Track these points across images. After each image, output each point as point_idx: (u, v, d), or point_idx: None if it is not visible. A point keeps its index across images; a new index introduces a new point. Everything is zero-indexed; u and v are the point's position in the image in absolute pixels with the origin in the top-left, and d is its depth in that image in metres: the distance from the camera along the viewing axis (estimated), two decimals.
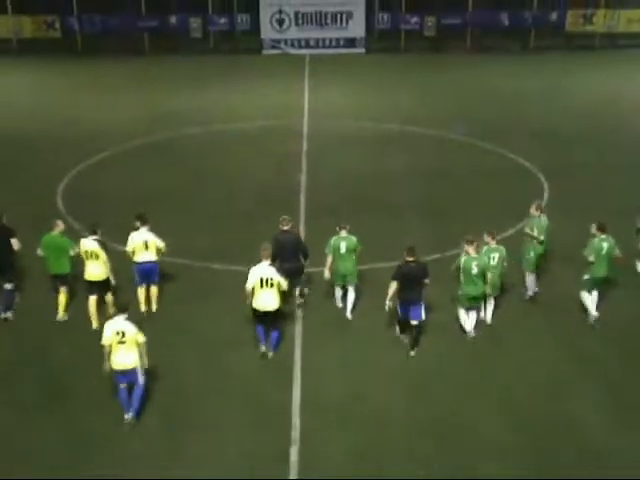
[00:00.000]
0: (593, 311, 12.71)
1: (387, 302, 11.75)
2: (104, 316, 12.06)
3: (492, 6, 43.72)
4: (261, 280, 11.60)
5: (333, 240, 12.80)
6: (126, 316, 10.26)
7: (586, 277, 12.70)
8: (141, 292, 13.09)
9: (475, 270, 12.02)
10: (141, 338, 10.17)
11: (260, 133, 25.47)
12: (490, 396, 10.86)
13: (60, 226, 12.77)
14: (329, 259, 12.78)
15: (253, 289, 11.66)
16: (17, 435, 10.05)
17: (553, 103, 29.79)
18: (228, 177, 20.63)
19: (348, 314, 13.08)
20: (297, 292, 13.32)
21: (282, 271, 12.08)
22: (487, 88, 33.16)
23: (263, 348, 11.86)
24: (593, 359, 11.78)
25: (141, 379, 10.25)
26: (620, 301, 13.47)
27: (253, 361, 11.71)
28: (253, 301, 11.78)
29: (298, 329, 12.60)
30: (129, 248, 12.88)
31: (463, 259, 12.08)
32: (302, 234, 15.06)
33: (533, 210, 13.29)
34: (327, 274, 12.98)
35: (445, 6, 43.84)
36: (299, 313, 13.15)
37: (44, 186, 19.36)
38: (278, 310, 11.89)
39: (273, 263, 11.97)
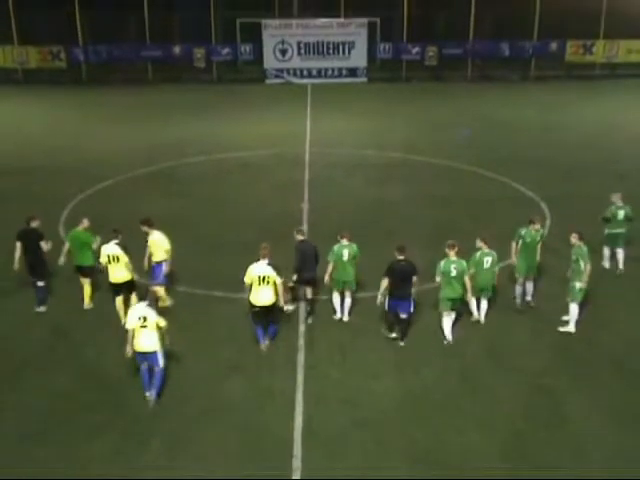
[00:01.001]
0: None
1: (379, 296, 12.65)
2: None
3: (493, 36, 44.20)
4: (259, 277, 12.33)
5: (337, 248, 13.33)
6: (147, 303, 11.20)
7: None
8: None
9: (454, 273, 12.70)
10: (162, 322, 11.13)
11: (262, 161, 25.61)
12: (494, 426, 10.77)
13: (85, 223, 14.09)
14: (330, 266, 13.36)
15: (251, 285, 12.40)
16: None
17: (554, 132, 29.96)
18: (230, 205, 20.70)
19: (345, 317, 13.79)
20: (307, 296, 13.78)
21: (303, 280, 13.27)
22: (488, 117, 33.40)
23: (263, 347, 12.65)
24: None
25: (161, 362, 11.16)
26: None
27: (254, 388, 11.65)
28: (251, 296, 12.48)
29: (300, 357, 12.55)
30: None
31: (443, 262, 12.79)
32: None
33: (576, 240, 13.20)
34: (327, 279, 13.49)
35: (446, 36, 44.35)
36: (308, 320, 13.71)
37: (46, 214, 19.25)
38: (274, 305, 12.57)
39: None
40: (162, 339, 11.19)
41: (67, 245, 14.15)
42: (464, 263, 12.83)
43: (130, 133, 30.29)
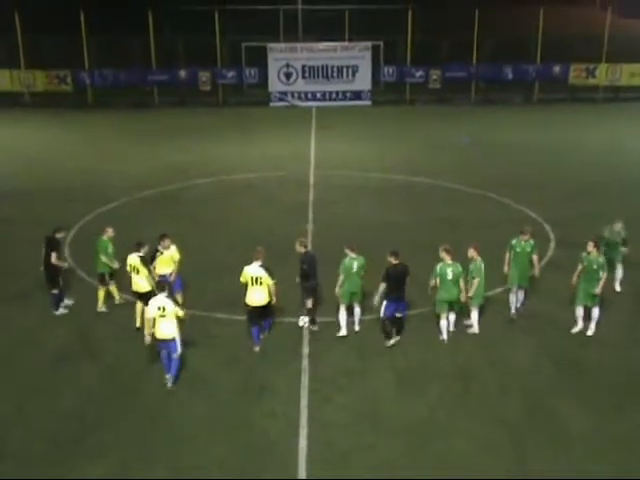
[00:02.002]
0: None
1: (376, 298, 13.32)
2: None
3: (496, 59, 44.46)
4: (252, 278, 13.16)
5: (347, 260, 13.81)
6: (166, 294, 12.17)
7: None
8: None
9: (450, 276, 13.39)
10: (180, 312, 12.08)
11: (267, 183, 25.72)
12: (498, 448, 10.70)
13: (109, 232, 14.93)
14: (341, 278, 13.81)
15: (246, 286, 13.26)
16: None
17: (557, 155, 30.03)
18: (234, 227, 20.77)
19: (356, 326, 14.21)
20: (307, 306, 14.20)
21: (307, 289, 13.93)
22: (492, 140, 33.50)
23: (257, 349, 13.43)
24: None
25: (178, 349, 12.03)
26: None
27: (257, 411, 11.62)
28: (247, 297, 13.30)
29: (304, 380, 12.52)
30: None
31: (439, 266, 13.46)
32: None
33: (591, 247, 13.84)
34: (339, 291, 13.91)
35: (450, 60, 44.63)
36: (312, 328, 14.24)
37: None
38: (268, 304, 13.42)
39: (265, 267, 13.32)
40: (180, 328, 12.06)
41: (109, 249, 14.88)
42: (460, 267, 13.52)
43: (136, 156, 30.47)
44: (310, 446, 10.71)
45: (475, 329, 14.14)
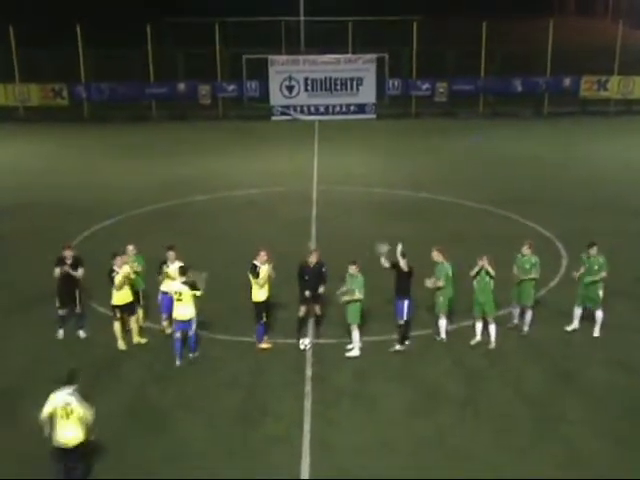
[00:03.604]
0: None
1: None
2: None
3: (504, 72, 44.64)
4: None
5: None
6: (183, 280, 13.61)
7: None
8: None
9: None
10: (198, 292, 13.57)
11: (268, 199, 25.78)
12: (510, 474, 10.63)
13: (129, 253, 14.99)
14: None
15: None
16: None
17: (568, 169, 30.09)
18: (234, 244, 20.72)
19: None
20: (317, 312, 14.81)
21: (312, 298, 14.52)
22: (500, 154, 33.57)
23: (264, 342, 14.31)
24: None
25: (193, 327, 13.78)
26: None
27: (259, 435, 11.57)
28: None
29: (307, 404, 12.47)
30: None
31: (450, 266, 14.28)
32: (324, 301, 15.43)
33: (594, 251, 14.59)
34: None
35: (456, 72, 44.82)
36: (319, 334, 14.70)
37: (50, 252, 19.44)
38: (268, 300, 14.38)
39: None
40: (196, 308, 13.62)
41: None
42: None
43: (134, 171, 30.57)
44: (313, 472, 10.65)
45: (442, 335, 14.62)
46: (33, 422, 10.17)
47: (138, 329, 14.80)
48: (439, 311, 14.54)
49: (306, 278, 14.40)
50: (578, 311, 14.90)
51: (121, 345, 14.51)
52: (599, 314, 14.76)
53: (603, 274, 14.57)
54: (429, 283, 14.25)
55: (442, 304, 14.45)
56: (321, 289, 14.50)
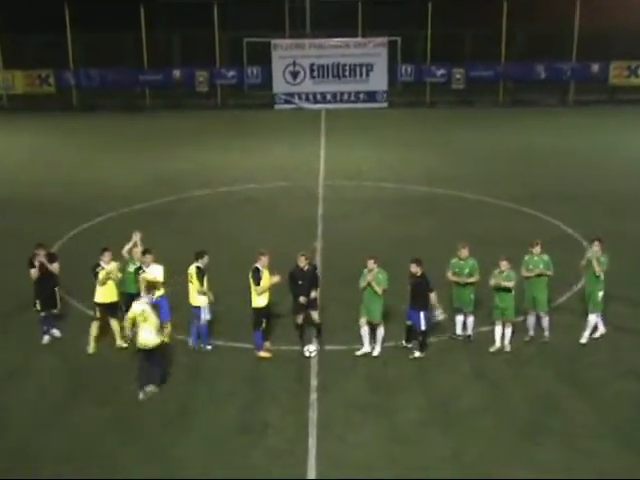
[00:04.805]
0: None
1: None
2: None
3: (527, 57, 44.57)
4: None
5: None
6: (198, 264, 14.42)
7: None
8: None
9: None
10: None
11: (271, 196, 25.82)
12: None
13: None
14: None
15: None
16: None
17: (596, 162, 30.05)
18: (233, 245, 20.71)
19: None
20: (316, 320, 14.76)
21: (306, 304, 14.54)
22: (522, 146, 33.53)
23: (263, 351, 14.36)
24: None
25: (202, 316, 14.44)
26: None
27: (260, 449, 11.59)
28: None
29: (312, 415, 12.49)
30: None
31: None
32: (319, 306, 15.34)
33: (597, 247, 14.71)
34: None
35: (475, 57, 44.77)
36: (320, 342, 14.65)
37: (32, 252, 19.60)
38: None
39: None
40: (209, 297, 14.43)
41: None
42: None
43: (125, 165, 30.65)
44: None
45: (469, 332, 14.98)
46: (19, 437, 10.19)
47: (120, 332, 14.79)
48: (468, 309, 14.79)
49: (300, 283, 14.31)
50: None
51: (91, 348, 14.56)
52: (593, 318, 14.79)
53: (596, 269, 14.57)
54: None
55: (472, 301, 14.74)
56: (313, 294, 14.41)
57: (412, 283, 14.23)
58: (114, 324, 14.76)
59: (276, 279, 14.22)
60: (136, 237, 15.42)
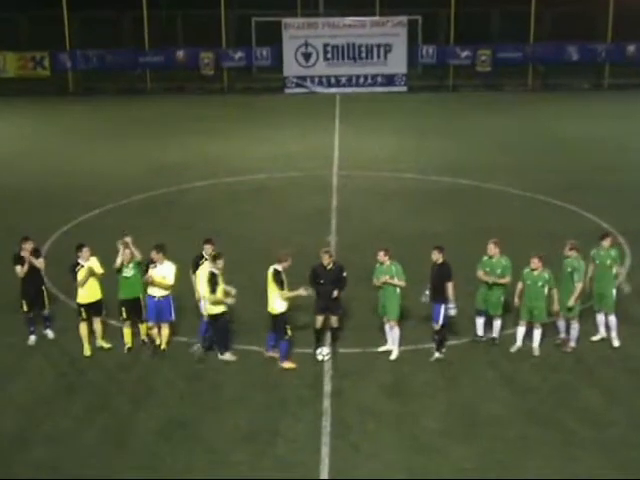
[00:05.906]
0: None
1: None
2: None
3: (558, 37, 44.37)
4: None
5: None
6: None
7: None
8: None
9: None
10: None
11: (281, 186, 25.81)
12: None
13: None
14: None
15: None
16: None
17: (633, 151, 29.86)
18: (240, 240, 20.69)
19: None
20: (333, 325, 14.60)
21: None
22: (553, 133, 33.41)
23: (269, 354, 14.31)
24: None
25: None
26: None
27: (269, 460, 11.56)
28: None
29: (325, 424, 12.45)
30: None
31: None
32: (342, 310, 15.40)
33: (606, 242, 14.73)
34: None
35: (502, 37, 44.63)
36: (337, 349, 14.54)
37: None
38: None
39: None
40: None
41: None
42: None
43: (124, 153, 30.71)
44: None
45: (495, 334, 14.86)
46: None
47: (102, 332, 14.86)
48: (496, 312, 14.64)
49: (322, 282, 14.15)
50: (600, 318, 14.85)
51: (86, 350, 14.60)
52: (612, 320, 14.68)
53: (619, 269, 14.70)
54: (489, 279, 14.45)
55: (501, 304, 14.61)
56: (335, 292, 14.21)
57: (433, 273, 14.20)
58: (97, 324, 14.73)
59: (304, 292, 13.99)
60: (123, 244, 14.71)
